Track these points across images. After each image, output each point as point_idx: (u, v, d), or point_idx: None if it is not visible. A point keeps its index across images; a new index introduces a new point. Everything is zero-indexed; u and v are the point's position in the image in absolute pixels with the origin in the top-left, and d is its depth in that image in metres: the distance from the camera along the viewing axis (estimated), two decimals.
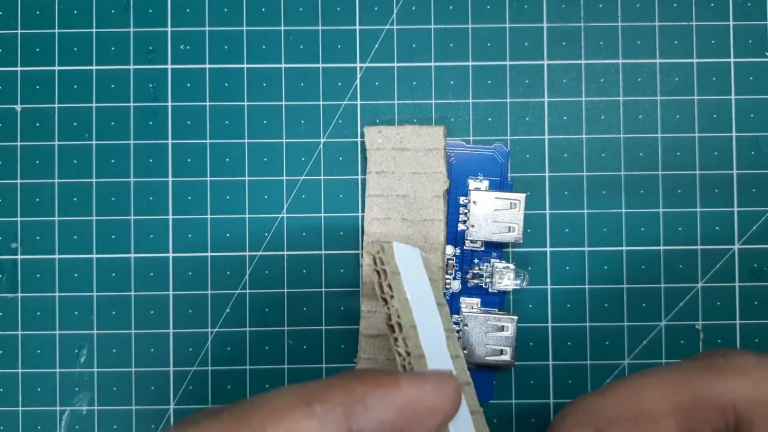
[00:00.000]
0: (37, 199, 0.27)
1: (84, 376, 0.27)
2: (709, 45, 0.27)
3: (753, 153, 0.27)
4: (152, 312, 0.27)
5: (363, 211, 0.26)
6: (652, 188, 0.27)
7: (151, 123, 0.27)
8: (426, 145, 0.26)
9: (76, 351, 0.27)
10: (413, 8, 0.27)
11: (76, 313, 0.27)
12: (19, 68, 0.27)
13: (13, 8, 0.27)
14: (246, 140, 0.27)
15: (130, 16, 0.27)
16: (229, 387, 0.27)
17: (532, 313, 0.27)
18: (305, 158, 0.27)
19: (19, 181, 0.27)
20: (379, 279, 0.20)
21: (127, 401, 0.27)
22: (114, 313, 0.27)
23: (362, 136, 0.26)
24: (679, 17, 0.27)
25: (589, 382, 0.26)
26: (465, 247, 0.26)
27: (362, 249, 0.26)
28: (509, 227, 0.25)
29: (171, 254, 0.27)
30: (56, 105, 0.27)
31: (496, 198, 0.25)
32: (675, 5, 0.27)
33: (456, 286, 0.26)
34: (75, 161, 0.27)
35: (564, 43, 0.27)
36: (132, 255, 0.27)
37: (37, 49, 0.27)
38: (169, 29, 0.27)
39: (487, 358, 0.25)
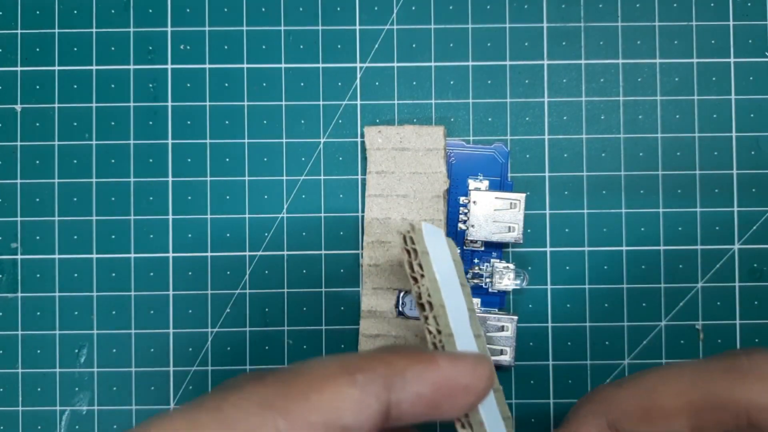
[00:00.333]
0: (37, 199, 0.27)
1: (84, 376, 0.27)
2: (709, 45, 0.27)
3: (753, 153, 0.27)
4: (152, 312, 0.27)
5: (363, 211, 0.26)
6: (652, 188, 0.27)
7: (151, 123, 0.27)
8: (426, 145, 0.26)
9: (76, 351, 0.27)
10: (413, 8, 0.27)
11: (76, 313, 0.27)
12: (19, 68, 0.27)
13: (13, 8, 0.27)
14: (246, 140, 0.27)
15: (130, 16, 0.27)
16: None
17: (532, 313, 0.27)
18: (305, 158, 0.27)
19: (19, 181, 0.27)
20: (409, 258, 0.20)
21: (127, 401, 0.27)
22: (114, 313, 0.27)
23: (362, 136, 0.26)
24: (679, 17, 0.27)
25: (589, 382, 0.26)
26: (465, 247, 0.26)
27: (362, 249, 0.26)
28: (509, 227, 0.25)
29: (171, 254, 0.27)
30: (56, 105, 0.27)
31: (496, 198, 0.25)
32: (675, 5, 0.27)
33: None
34: (75, 161, 0.27)
35: (564, 43, 0.27)
36: (132, 255, 0.27)
37: (37, 49, 0.27)
38: (169, 29, 0.27)
39: None
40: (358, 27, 0.27)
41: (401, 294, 0.26)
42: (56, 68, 0.27)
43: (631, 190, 0.27)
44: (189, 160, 0.27)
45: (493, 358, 0.25)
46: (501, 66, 0.27)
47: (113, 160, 0.27)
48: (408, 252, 0.20)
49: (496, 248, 0.26)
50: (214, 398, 0.16)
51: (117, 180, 0.27)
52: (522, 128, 0.27)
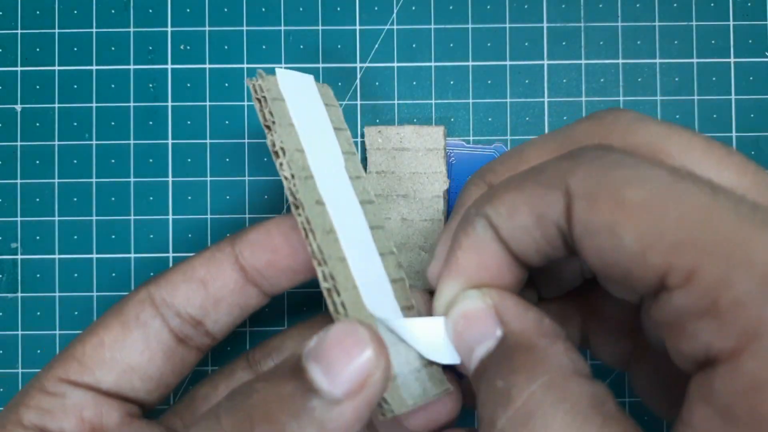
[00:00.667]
0: (37, 199, 0.27)
1: None
2: (709, 45, 0.27)
3: (753, 153, 0.27)
4: None
5: None
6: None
7: (151, 123, 0.27)
8: (426, 145, 0.26)
9: None
10: (413, 8, 0.27)
11: (76, 313, 0.27)
12: (19, 68, 0.27)
13: (13, 8, 0.27)
14: (246, 140, 0.27)
15: (130, 16, 0.27)
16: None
17: None
18: None
19: (19, 181, 0.27)
20: (260, 106, 0.19)
21: None
22: None
23: (362, 136, 0.26)
24: (679, 17, 0.27)
25: None
26: None
27: None
28: None
29: (171, 254, 0.27)
30: (56, 105, 0.27)
31: None
32: (675, 5, 0.27)
33: None
34: (75, 161, 0.27)
35: (564, 43, 0.27)
36: (132, 255, 0.27)
37: (37, 49, 0.27)
38: (169, 29, 0.27)
39: None
40: (358, 27, 0.27)
41: None
42: (56, 68, 0.27)
43: None
44: (189, 160, 0.27)
45: None
46: (501, 66, 0.27)
47: (113, 160, 0.27)
48: (259, 101, 0.19)
49: None
50: None
51: (117, 180, 0.27)
52: (522, 128, 0.27)
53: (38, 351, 0.27)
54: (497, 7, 0.27)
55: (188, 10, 0.27)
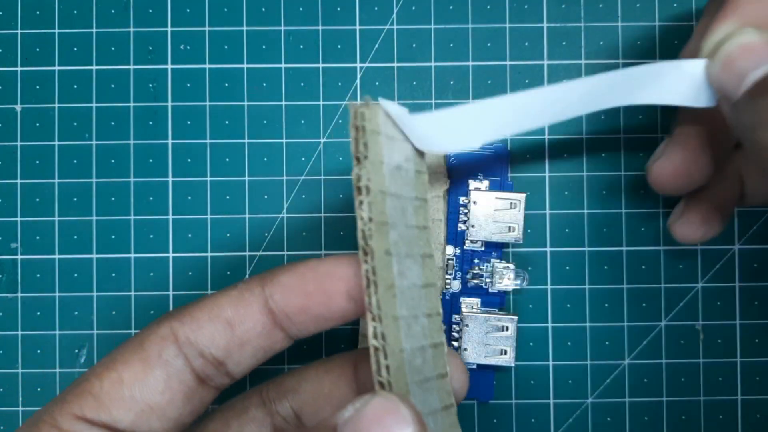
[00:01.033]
0: (37, 199, 0.27)
1: None
2: None
3: None
4: (152, 312, 0.27)
5: None
6: (652, 188, 0.27)
7: (151, 123, 0.27)
8: None
9: (76, 351, 0.27)
10: (413, 8, 0.27)
11: (76, 313, 0.27)
12: (19, 68, 0.27)
13: (13, 8, 0.27)
14: (246, 140, 0.27)
15: (130, 16, 0.27)
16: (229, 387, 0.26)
17: (532, 313, 0.27)
18: (305, 158, 0.27)
19: (19, 181, 0.27)
20: (357, 135, 0.17)
21: None
22: (114, 313, 0.27)
23: None
24: (679, 17, 0.27)
25: (588, 382, 0.26)
26: (465, 247, 0.26)
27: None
28: (509, 227, 0.25)
29: (171, 254, 0.27)
30: (56, 105, 0.27)
31: (496, 198, 0.25)
32: (675, 5, 0.27)
33: (456, 286, 0.26)
34: (75, 161, 0.27)
35: (564, 43, 0.27)
36: (132, 255, 0.27)
37: (37, 49, 0.27)
38: (169, 29, 0.27)
39: (487, 358, 0.25)
40: (358, 27, 0.27)
41: None
42: (56, 68, 0.27)
43: (631, 190, 0.27)
44: (189, 160, 0.27)
45: (494, 358, 0.25)
46: (501, 66, 0.27)
47: (113, 160, 0.27)
48: (356, 128, 0.17)
49: (496, 248, 0.26)
50: None
51: (117, 180, 0.27)
52: None
53: (38, 351, 0.27)
54: (497, 7, 0.27)
55: (188, 10, 0.27)
